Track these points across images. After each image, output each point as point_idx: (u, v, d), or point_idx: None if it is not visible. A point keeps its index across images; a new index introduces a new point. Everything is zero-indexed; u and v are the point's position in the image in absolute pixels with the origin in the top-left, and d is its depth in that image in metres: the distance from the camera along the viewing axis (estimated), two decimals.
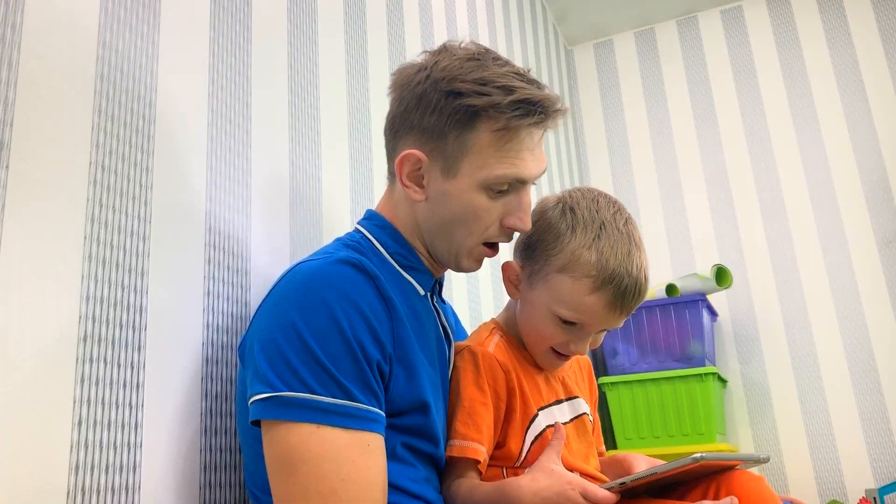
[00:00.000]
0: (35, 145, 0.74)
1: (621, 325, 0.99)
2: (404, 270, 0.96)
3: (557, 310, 0.95)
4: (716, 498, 0.90)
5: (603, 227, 0.95)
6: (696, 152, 3.07)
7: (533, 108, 0.90)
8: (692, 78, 3.15)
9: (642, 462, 1.02)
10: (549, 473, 0.86)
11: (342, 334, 0.80)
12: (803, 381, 2.70)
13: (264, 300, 0.88)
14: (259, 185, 1.10)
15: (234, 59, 1.09)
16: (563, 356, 1.00)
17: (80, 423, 0.75)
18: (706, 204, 3.00)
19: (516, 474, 0.94)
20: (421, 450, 0.88)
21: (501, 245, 0.99)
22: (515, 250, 1.04)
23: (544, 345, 0.99)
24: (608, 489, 0.85)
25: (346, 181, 1.36)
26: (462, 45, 0.96)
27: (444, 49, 0.95)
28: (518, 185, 0.93)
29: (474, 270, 1.00)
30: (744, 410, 2.74)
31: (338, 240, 0.98)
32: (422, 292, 0.97)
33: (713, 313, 2.66)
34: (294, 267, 0.89)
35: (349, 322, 0.81)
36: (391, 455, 0.84)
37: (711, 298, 2.68)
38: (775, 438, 2.69)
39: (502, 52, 2.41)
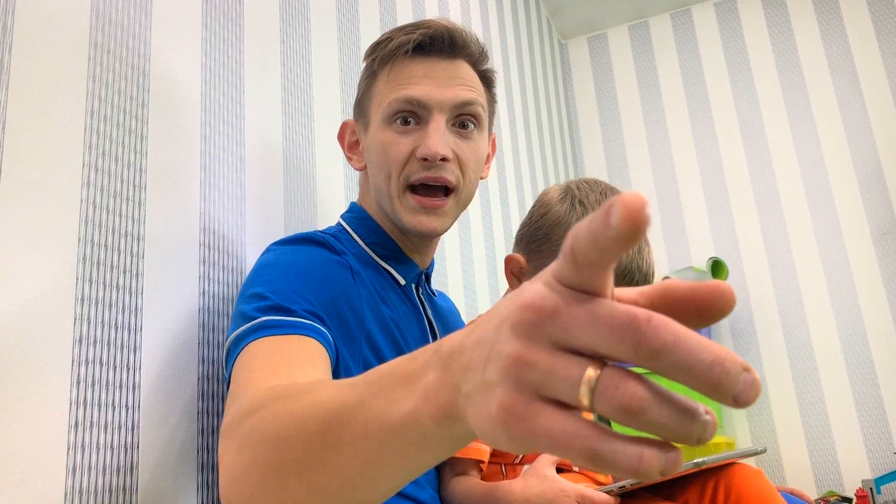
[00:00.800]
0: (28, 147, 0.74)
1: None
2: (383, 260, 0.96)
3: None
4: (714, 492, 0.90)
5: None
6: (691, 145, 3.07)
7: (405, 28, 0.93)
8: (686, 71, 3.15)
9: None
10: (542, 479, 0.87)
11: (296, 276, 0.80)
12: (799, 373, 2.71)
13: None
14: (253, 183, 1.10)
15: (227, 59, 1.09)
16: None
17: (76, 425, 0.74)
18: (701, 197, 3.01)
19: (515, 471, 0.94)
20: None
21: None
22: (519, 243, 1.03)
23: None
24: (607, 492, 0.85)
25: (340, 179, 1.36)
26: None
27: None
28: (423, 113, 0.91)
29: (428, 229, 0.92)
30: None
31: (316, 230, 0.98)
32: (402, 282, 0.97)
33: None
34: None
35: (305, 271, 0.81)
36: None
37: None
38: (772, 430, 2.70)
39: (496, 45, 2.41)
